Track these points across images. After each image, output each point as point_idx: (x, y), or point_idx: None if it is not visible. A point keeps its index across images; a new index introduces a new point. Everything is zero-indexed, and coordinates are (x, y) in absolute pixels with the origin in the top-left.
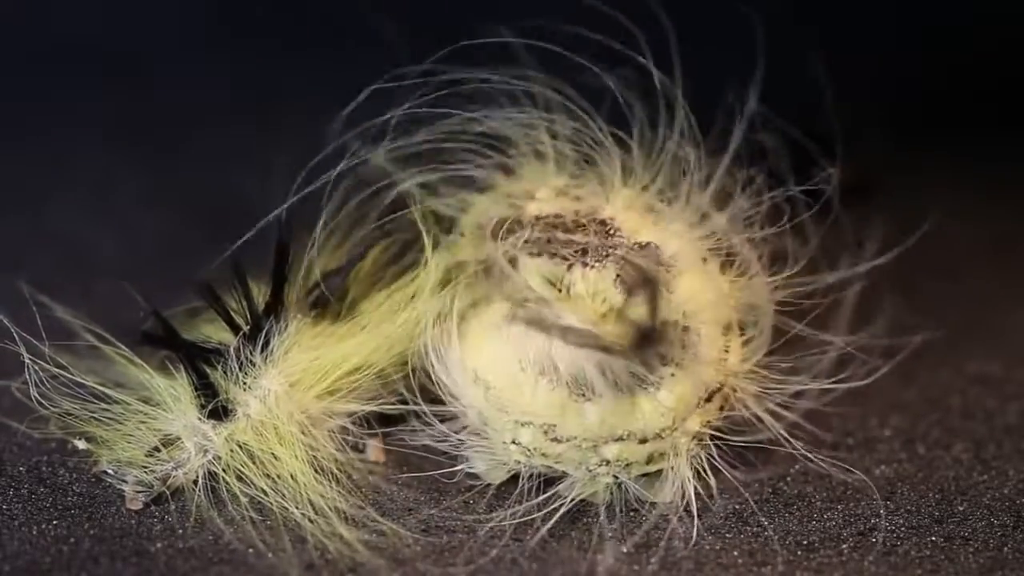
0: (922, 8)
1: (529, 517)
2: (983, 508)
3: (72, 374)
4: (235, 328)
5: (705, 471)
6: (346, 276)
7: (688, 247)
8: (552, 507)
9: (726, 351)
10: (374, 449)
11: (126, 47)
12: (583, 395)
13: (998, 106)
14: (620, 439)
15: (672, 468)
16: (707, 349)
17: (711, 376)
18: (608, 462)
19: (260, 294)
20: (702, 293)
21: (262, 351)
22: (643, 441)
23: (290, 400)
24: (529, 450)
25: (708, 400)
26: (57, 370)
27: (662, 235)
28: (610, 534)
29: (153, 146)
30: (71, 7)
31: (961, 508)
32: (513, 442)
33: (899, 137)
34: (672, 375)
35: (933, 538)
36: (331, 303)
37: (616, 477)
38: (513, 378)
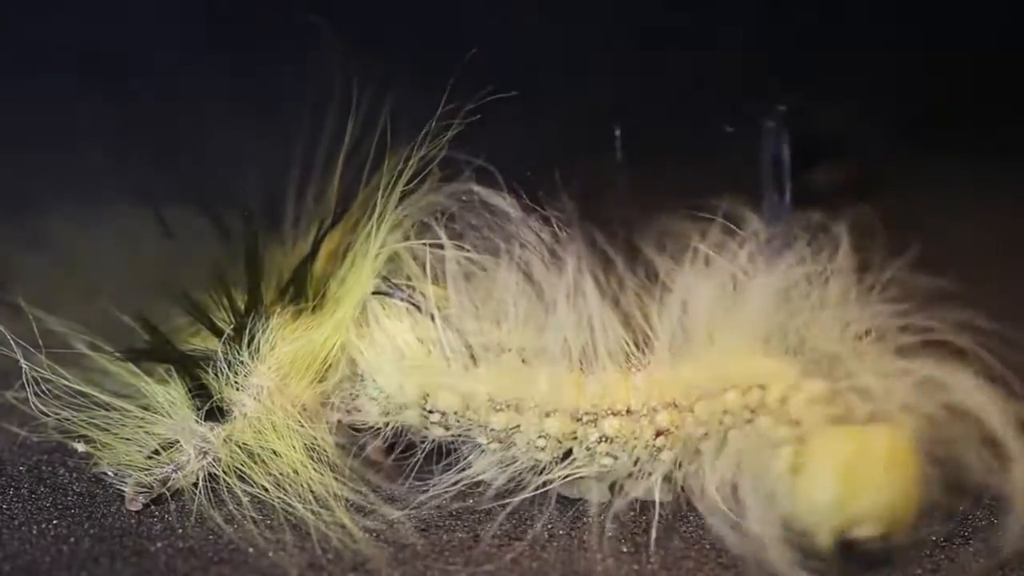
0: (923, 7)
1: (529, 514)
2: (983, 508)
3: (70, 382)
4: (219, 331)
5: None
6: (308, 265)
7: None
8: (550, 496)
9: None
10: (374, 449)
11: (127, 47)
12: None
13: (998, 103)
14: (617, 414)
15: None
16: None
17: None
18: (608, 438)
19: (239, 294)
20: None
21: (248, 350)
22: (630, 414)
23: (283, 394)
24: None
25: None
26: (55, 377)
27: None
28: (610, 533)
29: (153, 147)
30: (72, 7)
31: (961, 508)
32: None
33: (898, 136)
34: (649, 363)
35: (933, 538)
36: (306, 293)
37: (615, 457)
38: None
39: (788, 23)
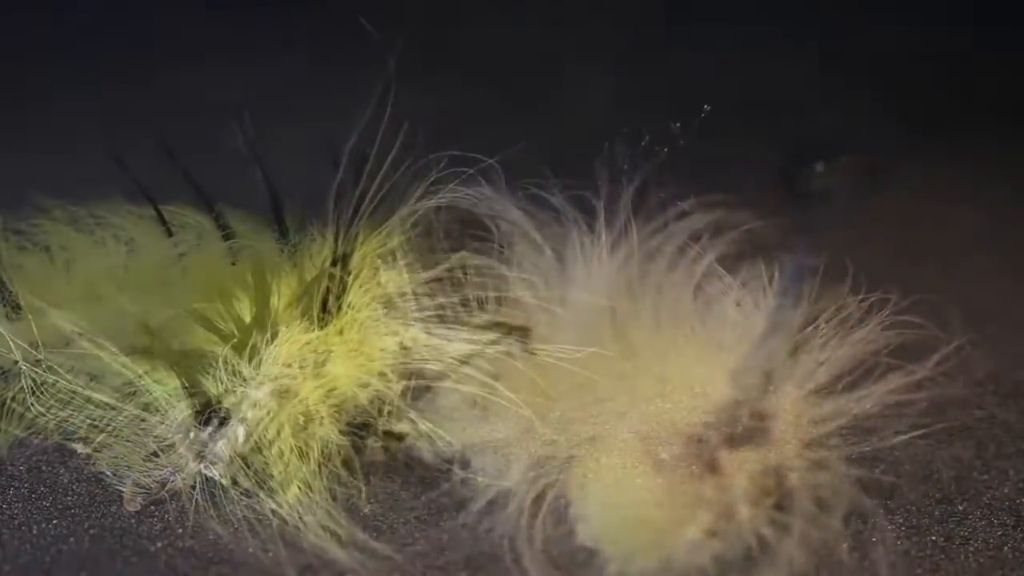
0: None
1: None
2: (983, 508)
3: (70, 382)
4: (225, 338)
5: None
6: (322, 280)
7: None
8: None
9: None
10: (372, 450)
11: (126, 47)
12: None
13: (998, 100)
14: None
15: None
16: None
17: None
18: None
19: (248, 302)
20: None
21: (251, 360)
22: None
23: (281, 408)
24: None
25: None
26: (55, 377)
27: None
28: None
29: (153, 147)
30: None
31: (961, 508)
32: None
33: (898, 129)
34: None
35: (933, 538)
36: (317, 310)
37: None
38: None
39: (788, 23)
